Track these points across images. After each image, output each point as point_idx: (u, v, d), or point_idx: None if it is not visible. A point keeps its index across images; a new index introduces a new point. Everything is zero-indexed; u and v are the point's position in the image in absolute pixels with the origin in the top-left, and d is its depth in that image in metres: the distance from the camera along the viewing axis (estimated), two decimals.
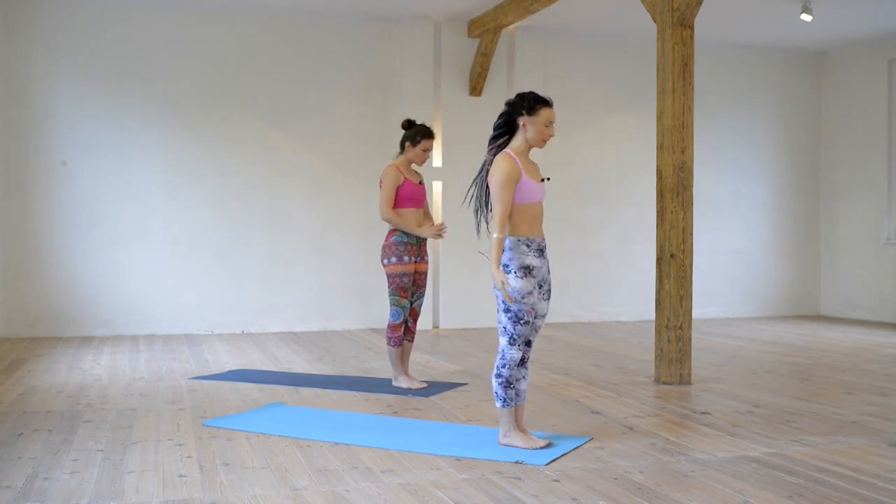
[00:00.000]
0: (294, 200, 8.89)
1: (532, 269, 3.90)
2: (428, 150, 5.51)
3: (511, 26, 9.03)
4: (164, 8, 8.48)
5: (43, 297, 8.21)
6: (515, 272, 3.87)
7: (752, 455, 3.91)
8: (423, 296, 5.65)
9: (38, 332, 8.19)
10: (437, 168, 9.03)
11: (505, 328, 3.94)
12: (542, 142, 4.00)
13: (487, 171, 4.01)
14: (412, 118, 5.72)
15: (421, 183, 5.62)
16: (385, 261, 5.49)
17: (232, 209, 8.72)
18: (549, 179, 4.19)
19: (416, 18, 8.93)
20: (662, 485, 3.45)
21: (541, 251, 3.95)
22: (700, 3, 5.66)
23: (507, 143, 4.03)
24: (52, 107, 8.26)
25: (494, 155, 4.01)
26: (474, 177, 4.14)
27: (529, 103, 3.97)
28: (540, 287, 3.98)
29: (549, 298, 4.03)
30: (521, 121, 3.98)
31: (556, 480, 3.51)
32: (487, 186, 4.01)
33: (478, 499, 3.27)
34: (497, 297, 3.93)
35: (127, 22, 8.43)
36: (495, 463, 3.76)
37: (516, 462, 3.76)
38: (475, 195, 4.11)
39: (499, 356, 4.00)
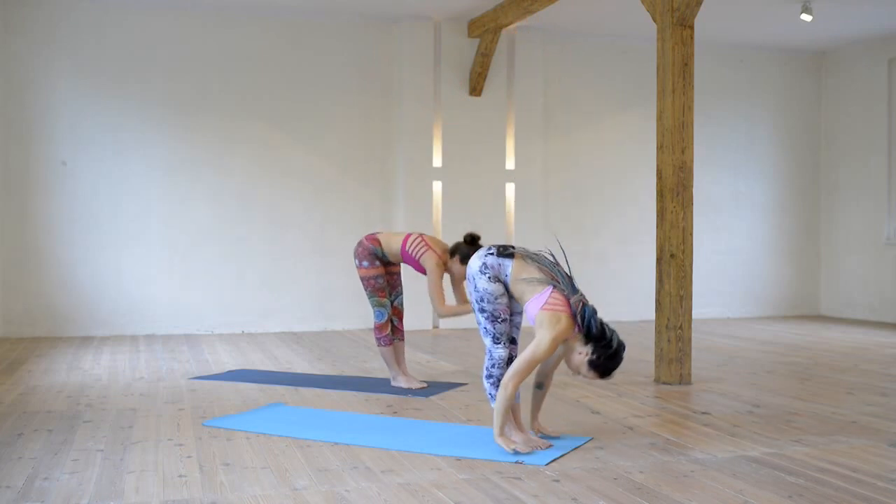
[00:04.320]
0: (294, 200, 8.89)
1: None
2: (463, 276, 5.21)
3: (511, 26, 9.03)
4: (164, 8, 8.48)
5: (43, 297, 8.21)
6: (489, 276, 3.98)
7: (752, 455, 3.91)
8: (402, 293, 5.68)
9: (38, 332, 8.19)
10: (436, 168, 9.03)
11: (486, 329, 4.03)
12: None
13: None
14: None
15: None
16: (357, 262, 5.49)
17: (232, 209, 8.72)
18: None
19: (416, 18, 8.93)
20: (662, 485, 3.45)
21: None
22: (700, 3, 5.66)
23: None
24: (52, 107, 8.26)
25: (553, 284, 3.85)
26: (555, 265, 3.96)
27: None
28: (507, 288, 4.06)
29: None
30: (580, 350, 3.80)
31: (556, 480, 3.51)
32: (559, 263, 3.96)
33: (478, 499, 3.27)
34: (470, 294, 4.07)
35: (127, 22, 8.43)
36: (495, 463, 3.76)
37: (516, 462, 3.76)
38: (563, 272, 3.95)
39: (486, 357, 4.06)
